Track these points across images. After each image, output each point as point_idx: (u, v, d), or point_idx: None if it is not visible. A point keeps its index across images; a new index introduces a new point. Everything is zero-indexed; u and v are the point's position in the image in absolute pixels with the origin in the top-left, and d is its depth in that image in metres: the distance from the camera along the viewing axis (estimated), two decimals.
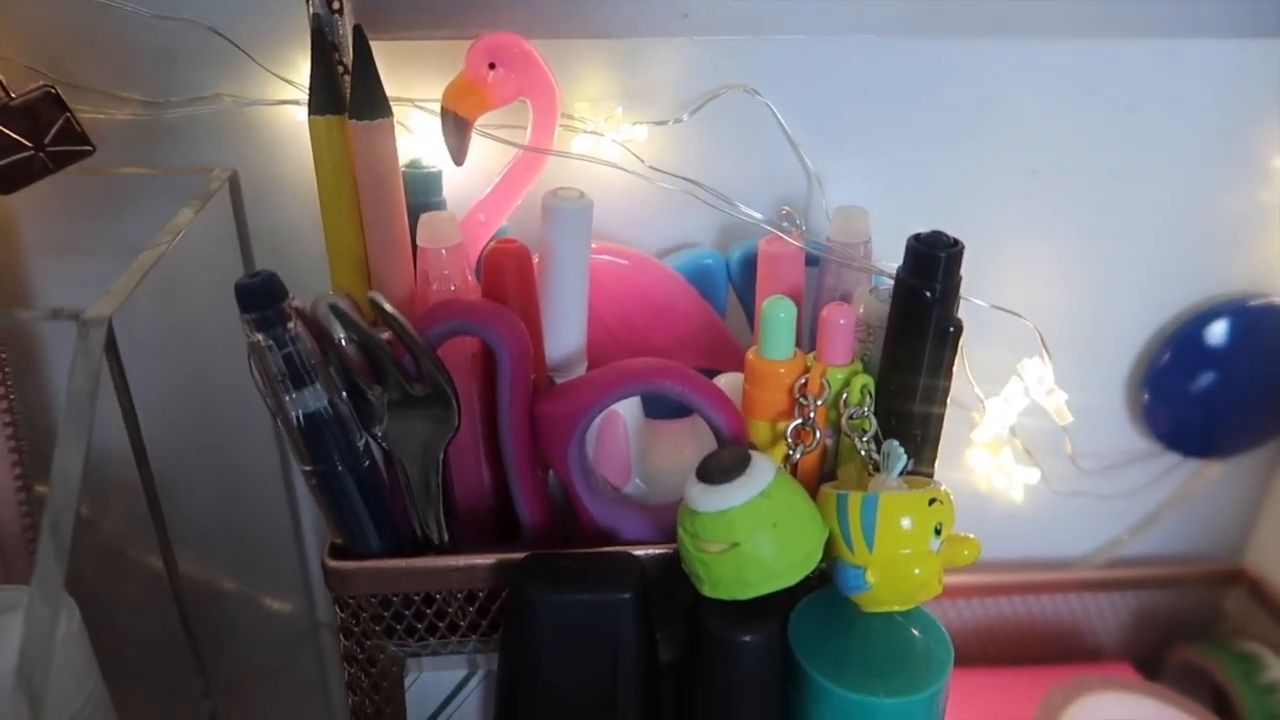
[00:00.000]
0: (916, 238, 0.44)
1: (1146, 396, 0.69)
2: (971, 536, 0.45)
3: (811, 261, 0.54)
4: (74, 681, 0.44)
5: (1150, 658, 0.79)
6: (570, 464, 0.48)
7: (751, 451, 0.44)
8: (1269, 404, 0.70)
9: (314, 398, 0.43)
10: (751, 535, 0.42)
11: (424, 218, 0.47)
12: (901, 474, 0.45)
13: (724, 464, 0.43)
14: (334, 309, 0.43)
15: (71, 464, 0.38)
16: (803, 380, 0.47)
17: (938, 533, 0.43)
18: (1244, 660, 0.73)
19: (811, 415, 0.47)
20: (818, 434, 0.47)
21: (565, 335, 0.50)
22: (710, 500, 0.42)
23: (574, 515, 0.50)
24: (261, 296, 0.41)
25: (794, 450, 0.47)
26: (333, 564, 0.47)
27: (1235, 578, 0.77)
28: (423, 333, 0.44)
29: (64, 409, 0.39)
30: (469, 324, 0.45)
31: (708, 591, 0.43)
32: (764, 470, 0.43)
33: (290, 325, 0.42)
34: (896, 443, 0.45)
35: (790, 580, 0.43)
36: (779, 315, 0.47)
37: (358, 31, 0.44)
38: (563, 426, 0.47)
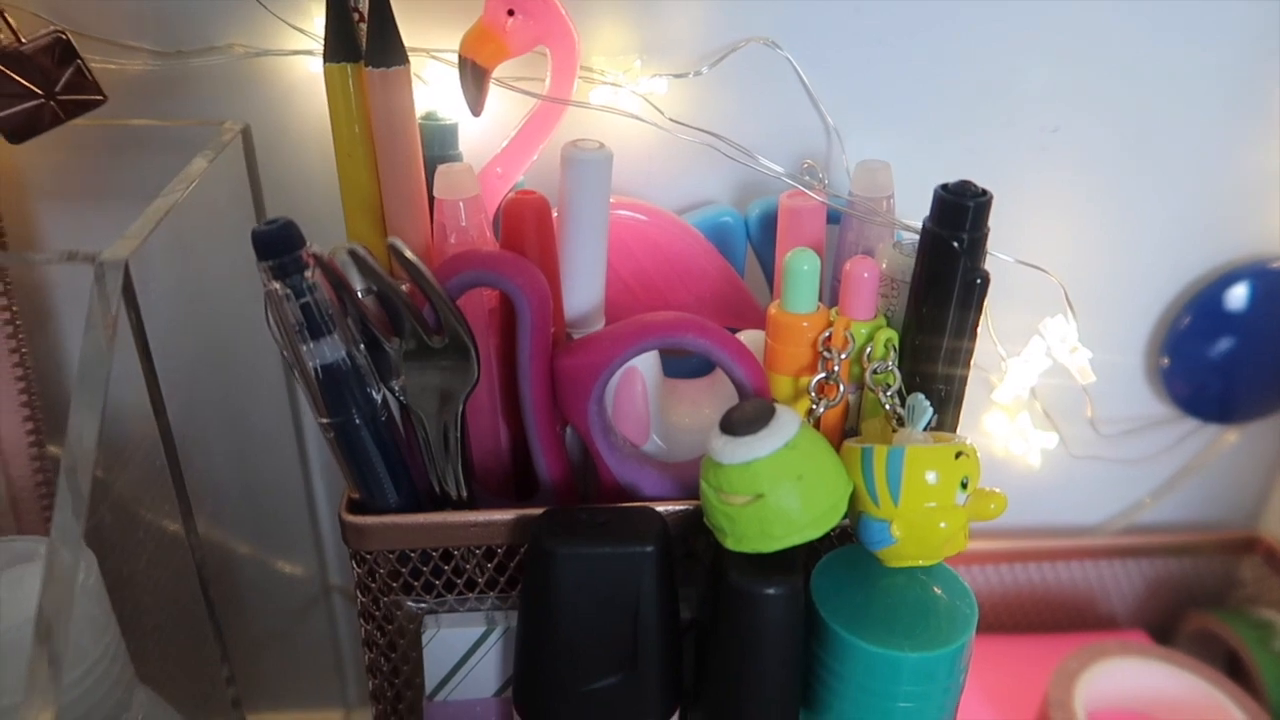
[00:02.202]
0: (944, 187, 0.43)
1: (1166, 361, 0.68)
2: (997, 490, 0.44)
3: (832, 218, 0.54)
4: (91, 633, 0.44)
5: (1165, 625, 0.78)
6: (590, 419, 0.47)
7: (775, 404, 0.43)
8: None
9: (331, 349, 0.43)
10: (776, 487, 0.41)
11: (441, 169, 0.46)
12: (926, 429, 0.45)
13: (748, 416, 0.42)
14: (353, 255, 0.42)
15: (90, 410, 0.37)
16: (826, 334, 0.46)
17: (964, 486, 0.43)
18: (1259, 627, 0.72)
19: (835, 369, 0.46)
20: (841, 388, 0.46)
21: (584, 290, 0.50)
22: (735, 452, 0.42)
23: (592, 472, 0.50)
24: (279, 243, 0.40)
25: (817, 404, 0.47)
26: (350, 519, 0.47)
27: (1251, 545, 0.77)
28: (441, 284, 0.43)
29: (80, 356, 0.38)
30: (488, 275, 0.44)
31: (731, 545, 0.43)
32: (789, 422, 0.42)
33: (308, 274, 0.41)
34: (922, 396, 0.45)
35: (815, 533, 0.42)
36: (802, 267, 0.46)
37: None
38: (582, 381, 0.46)
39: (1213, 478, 0.75)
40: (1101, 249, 0.65)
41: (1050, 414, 0.64)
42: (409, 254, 0.41)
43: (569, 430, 0.50)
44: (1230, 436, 0.74)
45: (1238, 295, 0.66)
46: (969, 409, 0.62)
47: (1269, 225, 0.66)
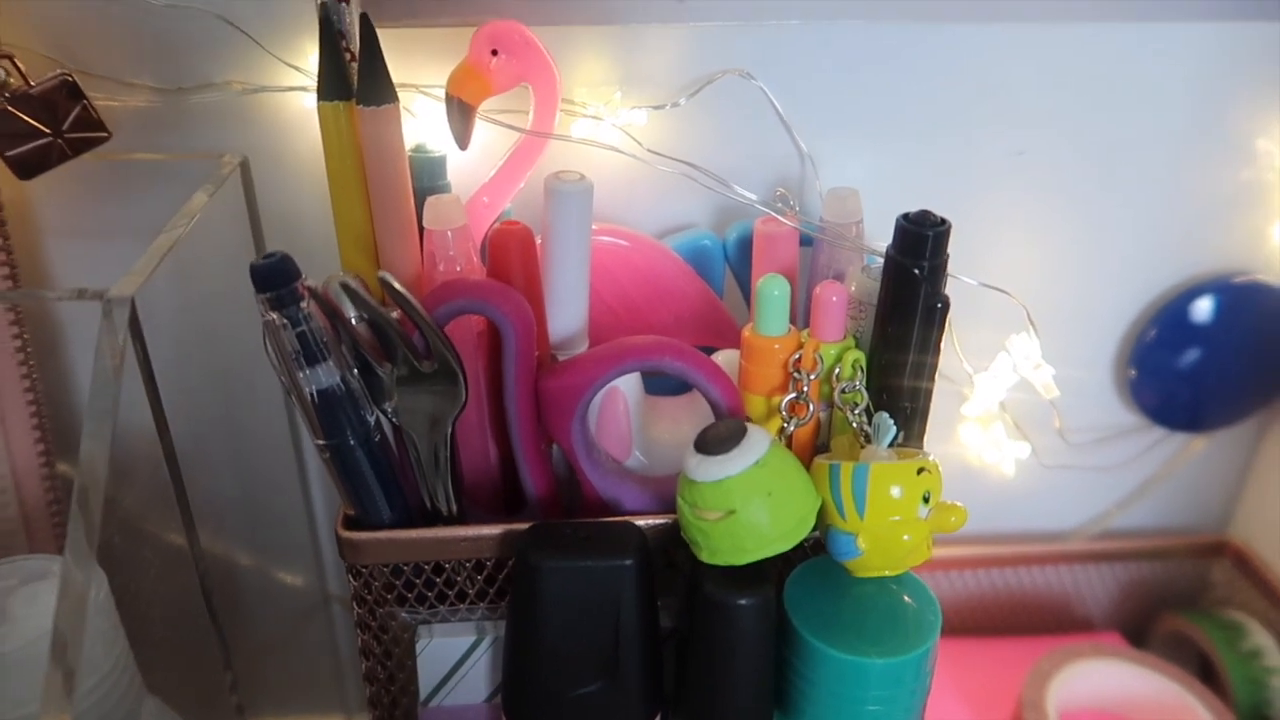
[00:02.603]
0: (905, 217, 0.45)
1: (1133, 372, 0.71)
2: (958, 504, 0.47)
3: (805, 241, 0.56)
4: (102, 646, 0.46)
5: (1139, 627, 0.81)
6: (573, 437, 0.49)
7: (747, 423, 0.46)
8: (1253, 379, 0.72)
9: (327, 374, 0.45)
10: (747, 503, 0.44)
11: (430, 200, 0.48)
12: (891, 445, 0.47)
13: (720, 435, 0.45)
14: (345, 287, 0.45)
15: (99, 440, 0.40)
16: (797, 356, 0.49)
17: (926, 500, 0.45)
18: (1228, 628, 0.75)
19: (805, 389, 0.48)
20: (811, 407, 0.49)
21: (568, 314, 0.52)
22: (708, 470, 0.44)
23: (577, 488, 0.52)
24: (276, 276, 0.43)
25: (788, 423, 0.49)
26: (346, 534, 0.49)
27: (1220, 549, 0.79)
28: (430, 311, 0.46)
29: (90, 386, 0.41)
30: (475, 303, 0.47)
31: (705, 558, 0.45)
32: (759, 441, 0.45)
33: (303, 304, 0.44)
34: (886, 415, 0.47)
35: (784, 546, 0.45)
36: (773, 293, 0.48)
37: (364, 19, 0.45)
38: (566, 401, 0.49)
39: (1183, 484, 0.78)
40: (1070, 266, 0.68)
41: (1021, 425, 0.66)
42: (398, 286, 0.44)
43: (555, 448, 0.53)
44: (1198, 444, 0.76)
45: (1202, 309, 0.69)
46: (944, 421, 0.65)
47: (1232, 241, 0.68)
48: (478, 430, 0.52)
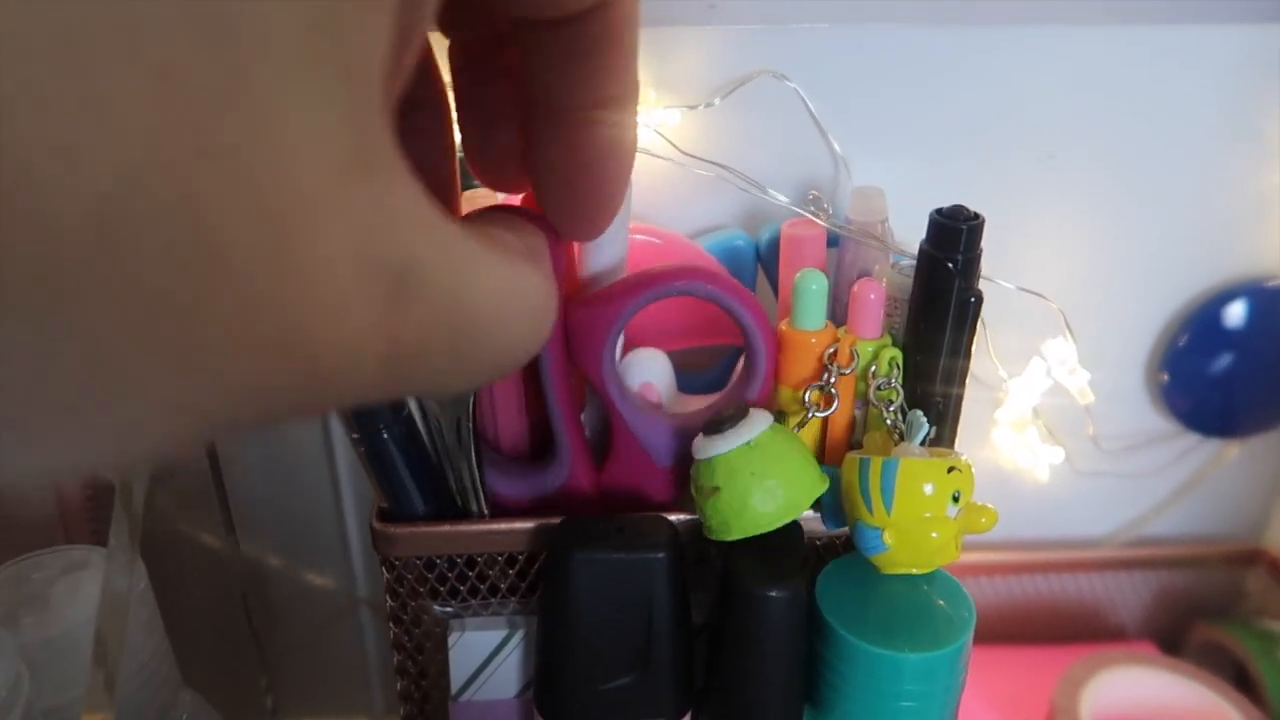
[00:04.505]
0: (939, 212, 0.46)
1: (1166, 377, 0.70)
2: (989, 506, 0.46)
3: (832, 242, 0.56)
4: (142, 634, 0.47)
5: (1174, 637, 0.80)
6: (604, 368, 0.49)
7: (752, 409, 0.46)
8: None
9: None
10: (730, 482, 0.45)
11: (466, 195, 0.49)
12: (924, 443, 0.47)
13: (723, 416, 0.46)
14: None
15: None
16: (833, 349, 0.49)
17: (955, 500, 0.45)
18: (1264, 638, 0.74)
19: (832, 381, 0.49)
20: (836, 400, 0.49)
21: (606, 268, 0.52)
22: (704, 448, 0.46)
23: (609, 431, 0.51)
24: None
25: (810, 412, 0.49)
26: (379, 527, 0.49)
27: (1256, 557, 0.78)
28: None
29: None
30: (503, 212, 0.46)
31: (707, 534, 0.46)
32: (758, 424, 0.45)
33: None
34: (919, 412, 0.47)
35: (767, 526, 0.45)
36: (811, 287, 0.49)
37: None
38: (596, 331, 0.48)
39: (1216, 491, 0.77)
40: (1100, 270, 0.67)
41: (1054, 431, 0.66)
42: None
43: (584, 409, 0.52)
44: (1232, 451, 0.75)
45: (1235, 313, 0.68)
46: (979, 426, 0.64)
47: (1264, 245, 0.68)
48: (514, 392, 0.51)
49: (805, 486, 0.46)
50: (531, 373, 0.51)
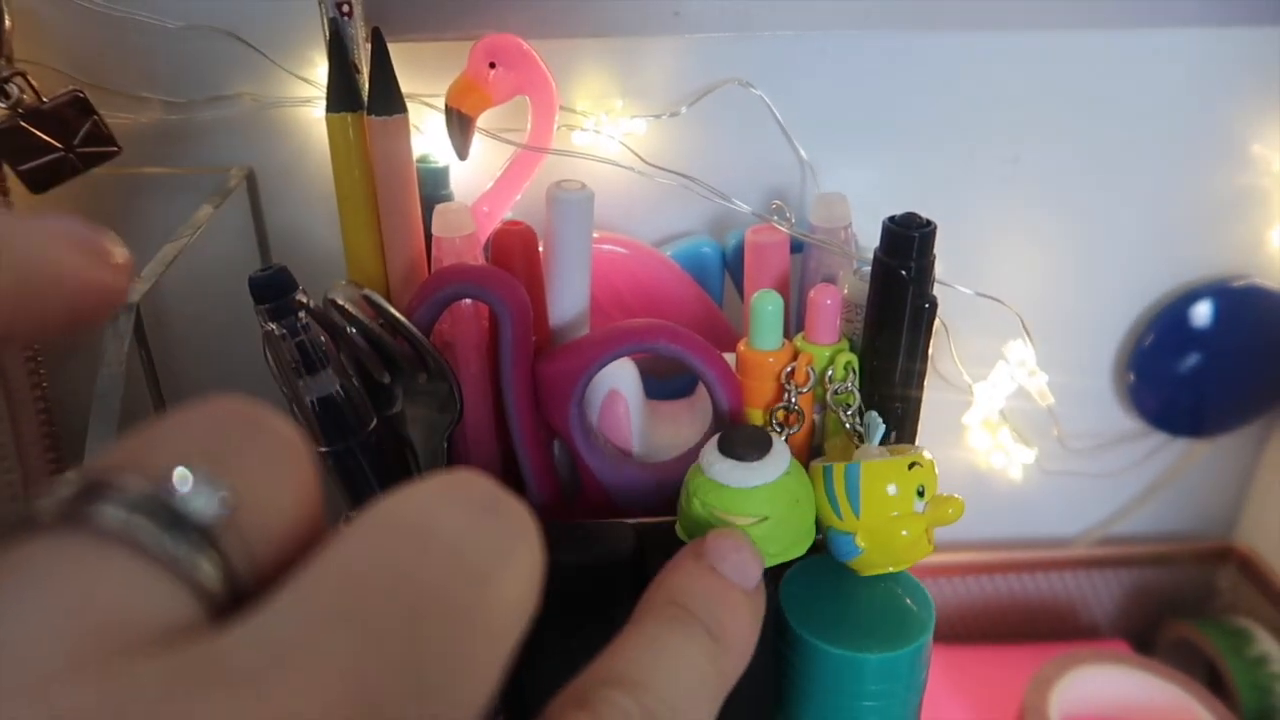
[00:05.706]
0: (891, 219, 0.46)
1: (1132, 377, 0.71)
2: (955, 496, 0.47)
3: (796, 248, 0.57)
4: None
5: (1146, 634, 0.81)
6: (571, 422, 0.50)
7: (767, 429, 0.47)
8: (1253, 383, 0.72)
9: (326, 382, 0.46)
10: (777, 510, 0.44)
11: (439, 209, 0.49)
12: (883, 443, 0.48)
13: (750, 440, 0.45)
14: (332, 304, 0.46)
15: (105, 443, 0.41)
16: (789, 369, 0.49)
17: (921, 494, 0.46)
18: (1234, 635, 0.75)
19: (794, 400, 0.49)
20: (803, 417, 0.49)
21: (569, 319, 0.53)
22: (743, 477, 0.44)
23: (578, 479, 0.52)
24: (273, 289, 0.44)
25: (779, 432, 0.50)
26: None
27: (1225, 555, 0.79)
28: (427, 297, 0.46)
29: (95, 391, 0.42)
30: (469, 286, 0.47)
31: (765, 561, 0.45)
32: (782, 449, 0.45)
33: (301, 314, 0.45)
34: (875, 414, 0.48)
35: (799, 550, 0.45)
36: (767, 308, 0.49)
37: (376, 33, 0.46)
38: (563, 386, 0.49)
39: (1187, 489, 0.78)
40: (1067, 272, 0.68)
41: (1022, 433, 0.66)
42: (383, 303, 0.45)
43: (556, 445, 0.53)
44: (1202, 449, 0.76)
45: (1201, 313, 0.69)
46: (947, 427, 0.65)
47: (1228, 245, 0.69)
48: (485, 430, 0.52)
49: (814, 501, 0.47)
50: (500, 415, 0.52)
